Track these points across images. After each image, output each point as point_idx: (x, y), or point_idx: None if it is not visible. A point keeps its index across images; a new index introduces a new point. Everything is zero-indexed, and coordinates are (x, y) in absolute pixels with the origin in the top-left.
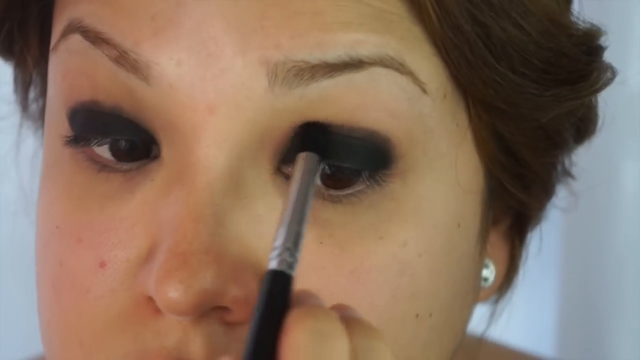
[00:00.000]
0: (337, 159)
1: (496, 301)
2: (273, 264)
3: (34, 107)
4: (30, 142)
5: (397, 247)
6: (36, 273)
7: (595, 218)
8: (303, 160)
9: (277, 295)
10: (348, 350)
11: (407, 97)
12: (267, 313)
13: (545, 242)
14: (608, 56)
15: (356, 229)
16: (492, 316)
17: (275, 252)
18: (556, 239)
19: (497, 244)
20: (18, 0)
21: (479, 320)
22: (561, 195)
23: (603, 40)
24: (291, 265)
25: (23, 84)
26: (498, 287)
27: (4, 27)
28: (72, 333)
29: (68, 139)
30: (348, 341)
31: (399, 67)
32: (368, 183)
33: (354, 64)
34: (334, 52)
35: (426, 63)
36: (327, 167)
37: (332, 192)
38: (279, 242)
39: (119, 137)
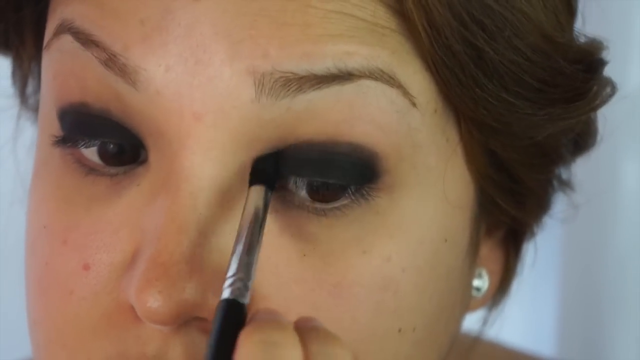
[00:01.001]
0: (321, 175)
1: (490, 309)
2: (226, 293)
3: (32, 99)
4: (29, 134)
5: (380, 262)
6: (25, 271)
7: (595, 218)
8: (252, 193)
9: (230, 323)
10: (301, 357)
11: (396, 109)
12: (220, 341)
13: (545, 241)
14: (608, 56)
15: (340, 243)
16: (485, 323)
17: (228, 282)
18: (556, 239)
19: (492, 253)
20: (14, 3)
21: (478, 320)
22: (561, 199)
23: (604, 54)
24: (243, 294)
25: (20, 78)
26: (491, 296)
27: (1, 25)
28: (55, 333)
29: (57, 139)
30: (301, 349)
31: (389, 80)
32: (354, 197)
33: (342, 76)
34: (322, 64)
35: (417, 77)
36: (314, 181)
37: (318, 205)
38: (231, 272)
39: (107, 140)
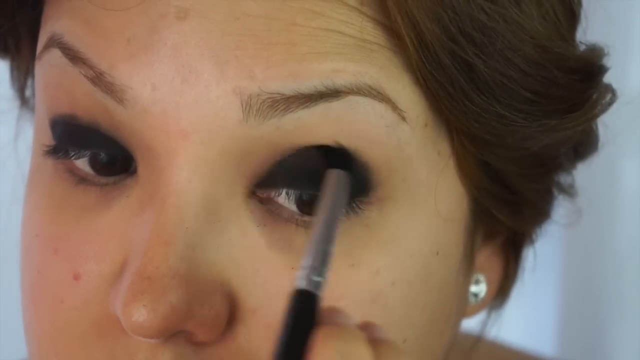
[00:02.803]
0: (314, 187)
1: (489, 312)
2: (300, 283)
3: (32, 101)
4: (30, 134)
5: (369, 275)
6: (20, 278)
7: (595, 218)
8: (334, 177)
9: (304, 315)
10: None
11: (385, 124)
12: (293, 332)
13: (545, 241)
14: (608, 58)
15: None
16: (484, 326)
17: (303, 272)
18: (557, 239)
19: (490, 260)
20: (7, 11)
21: (479, 321)
22: (562, 202)
23: (605, 61)
24: (318, 285)
25: (19, 80)
26: (490, 301)
27: None
28: (47, 341)
29: (48, 149)
30: None
31: (377, 95)
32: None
33: (330, 94)
34: (309, 83)
35: (406, 92)
36: (302, 194)
37: (307, 218)
38: (306, 261)
39: (98, 151)
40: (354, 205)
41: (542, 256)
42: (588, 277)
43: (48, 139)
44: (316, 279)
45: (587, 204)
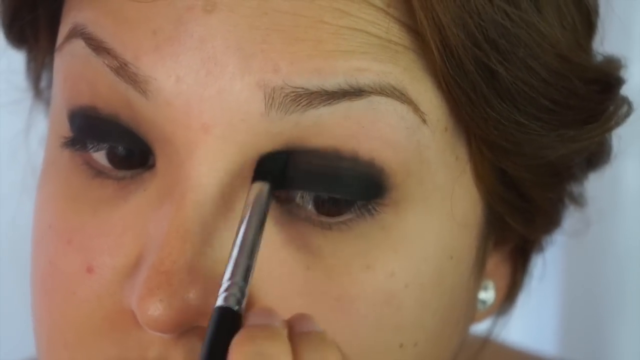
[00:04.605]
0: (328, 190)
1: (496, 318)
2: (220, 300)
3: (46, 93)
4: (42, 126)
5: (384, 277)
6: (30, 269)
7: (597, 218)
8: (256, 190)
9: (222, 332)
10: None
11: (406, 126)
12: (211, 350)
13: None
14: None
15: (344, 257)
16: (490, 332)
17: (223, 287)
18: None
19: (499, 266)
20: (30, 2)
21: (484, 322)
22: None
23: (622, 73)
24: (238, 301)
25: (35, 71)
26: (497, 308)
27: (15, 23)
28: (58, 333)
29: (66, 140)
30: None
31: (400, 97)
32: (359, 212)
33: (353, 92)
34: (334, 80)
35: (428, 95)
36: (320, 195)
37: (324, 218)
38: (227, 276)
39: (115, 144)
40: (370, 207)
41: (545, 255)
42: (590, 278)
43: (65, 131)
44: (237, 295)
45: (588, 204)
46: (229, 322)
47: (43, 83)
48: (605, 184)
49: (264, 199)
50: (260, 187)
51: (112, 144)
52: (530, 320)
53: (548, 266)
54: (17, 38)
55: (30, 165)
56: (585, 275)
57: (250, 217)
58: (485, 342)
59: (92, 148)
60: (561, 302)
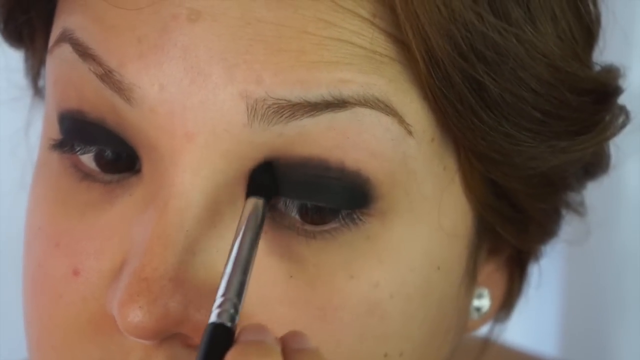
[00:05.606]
0: (312, 198)
1: (493, 326)
2: (214, 316)
3: (44, 91)
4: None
5: (367, 287)
6: (22, 270)
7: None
8: (251, 206)
9: (216, 350)
10: None
11: (391, 137)
12: None
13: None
14: (609, 55)
15: (327, 266)
16: (488, 339)
17: (217, 303)
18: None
19: (494, 275)
20: (23, 4)
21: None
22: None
23: (621, 82)
24: (232, 318)
25: (33, 69)
26: (493, 315)
27: (10, 23)
28: (46, 334)
29: (54, 143)
30: None
31: (385, 109)
32: (344, 221)
33: (336, 104)
34: (317, 91)
35: (414, 106)
36: (305, 203)
37: (308, 227)
38: (221, 292)
39: (103, 147)
40: (355, 216)
41: (545, 259)
42: (590, 277)
43: (55, 133)
44: (231, 311)
45: (589, 204)
46: (222, 338)
47: (41, 81)
48: (606, 186)
49: (259, 215)
50: (255, 203)
51: (100, 147)
52: (530, 325)
53: (549, 270)
54: (14, 37)
55: (30, 163)
56: (586, 278)
57: (245, 232)
58: (486, 345)
59: (79, 150)
60: (562, 306)
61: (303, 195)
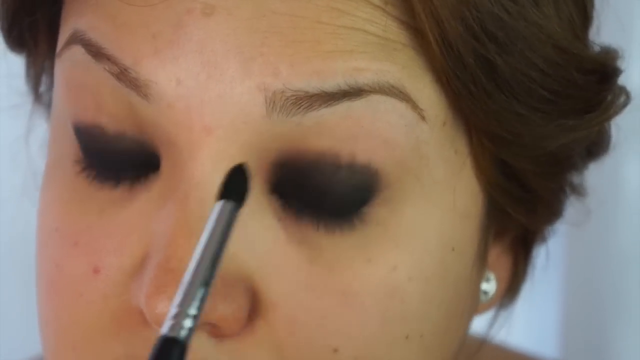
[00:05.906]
0: (318, 206)
1: (497, 311)
2: (165, 328)
3: (46, 97)
4: (42, 130)
5: (386, 271)
6: (36, 272)
7: (598, 218)
8: (219, 211)
9: None
10: None
11: (405, 123)
12: None
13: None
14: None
15: (343, 251)
16: (491, 326)
17: (172, 313)
18: (559, 239)
19: (500, 258)
20: (28, 6)
21: (484, 322)
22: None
23: (619, 63)
24: (188, 331)
25: (34, 75)
26: (499, 299)
27: (14, 27)
28: (65, 334)
29: (76, 163)
30: None
31: (399, 95)
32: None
33: (352, 92)
34: (333, 81)
35: (427, 91)
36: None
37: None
38: (176, 302)
39: (123, 157)
40: (357, 211)
41: (545, 259)
42: (591, 278)
43: (70, 144)
44: (188, 325)
45: (590, 204)
46: (173, 355)
47: (42, 87)
48: (608, 184)
49: (228, 221)
50: (223, 207)
51: (120, 171)
52: (531, 322)
53: (549, 267)
54: (17, 42)
55: (31, 169)
56: (586, 275)
57: (210, 238)
58: (485, 342)
59: (97, 178)
60: (562, 303)
61: (309, 200)
